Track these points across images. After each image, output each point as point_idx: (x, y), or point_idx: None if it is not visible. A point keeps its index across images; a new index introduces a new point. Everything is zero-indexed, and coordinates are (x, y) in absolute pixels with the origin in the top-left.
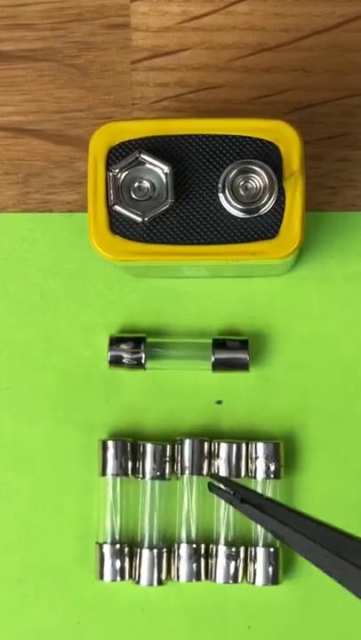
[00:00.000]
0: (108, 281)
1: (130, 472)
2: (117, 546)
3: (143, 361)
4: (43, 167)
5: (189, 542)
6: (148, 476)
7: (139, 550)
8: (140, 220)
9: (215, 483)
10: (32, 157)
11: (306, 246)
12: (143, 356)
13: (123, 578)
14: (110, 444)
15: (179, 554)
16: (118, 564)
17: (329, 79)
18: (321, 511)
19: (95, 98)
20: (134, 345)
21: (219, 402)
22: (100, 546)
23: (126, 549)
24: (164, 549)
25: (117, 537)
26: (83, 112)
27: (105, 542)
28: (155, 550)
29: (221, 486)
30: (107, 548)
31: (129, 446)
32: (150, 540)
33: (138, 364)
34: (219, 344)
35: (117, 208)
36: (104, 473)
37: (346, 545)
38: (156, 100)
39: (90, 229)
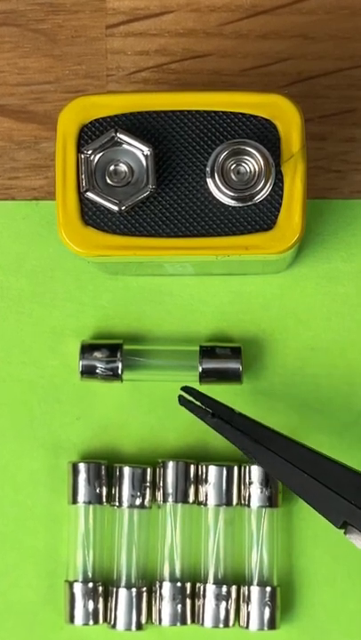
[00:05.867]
0: (80, 279)
1: (104, 499)
2: (90, 584)
3: (120, 371)
4: (4, 148)
5: (173, 580)
6: (125, 503)
7: (115, 589)
8: (116, 209)
9: (186, 396)
10: None
11: (307, 239)
12: (120, 365)
13: (96, 621)
14: (82, 467)
15: (161, 594)
16: (91, 605)
17: (334, 47)
18: (322, 544)
19: (64, 68)
20: (110, 353)
21: None
22: (71, 584)
23: (100, 588)
24: (144, 589)
25: (90, 574)
26: (50, 85)
27: (76, 580)
28: (133, 590)
29: (192, 399)
30: (78, 587)
31: (103, 470)
32: (128, 578)
33: (114, 375)
34: (207, 352)
35: (90, 195)
36: (75, 500)
37: (320, 465)
38: (135, 70)
39: (58, 220)
